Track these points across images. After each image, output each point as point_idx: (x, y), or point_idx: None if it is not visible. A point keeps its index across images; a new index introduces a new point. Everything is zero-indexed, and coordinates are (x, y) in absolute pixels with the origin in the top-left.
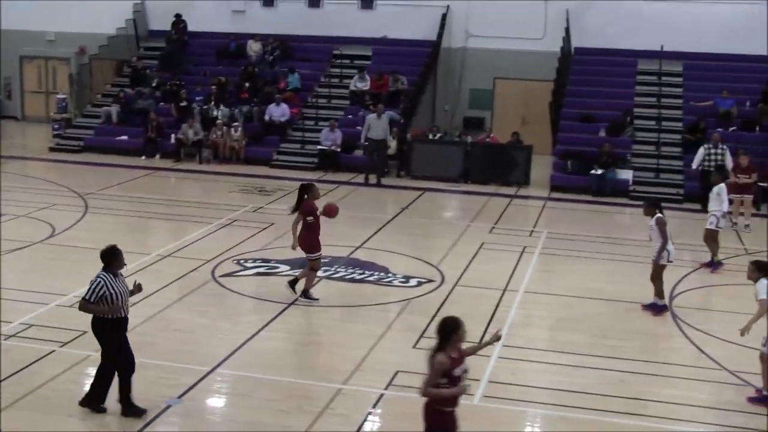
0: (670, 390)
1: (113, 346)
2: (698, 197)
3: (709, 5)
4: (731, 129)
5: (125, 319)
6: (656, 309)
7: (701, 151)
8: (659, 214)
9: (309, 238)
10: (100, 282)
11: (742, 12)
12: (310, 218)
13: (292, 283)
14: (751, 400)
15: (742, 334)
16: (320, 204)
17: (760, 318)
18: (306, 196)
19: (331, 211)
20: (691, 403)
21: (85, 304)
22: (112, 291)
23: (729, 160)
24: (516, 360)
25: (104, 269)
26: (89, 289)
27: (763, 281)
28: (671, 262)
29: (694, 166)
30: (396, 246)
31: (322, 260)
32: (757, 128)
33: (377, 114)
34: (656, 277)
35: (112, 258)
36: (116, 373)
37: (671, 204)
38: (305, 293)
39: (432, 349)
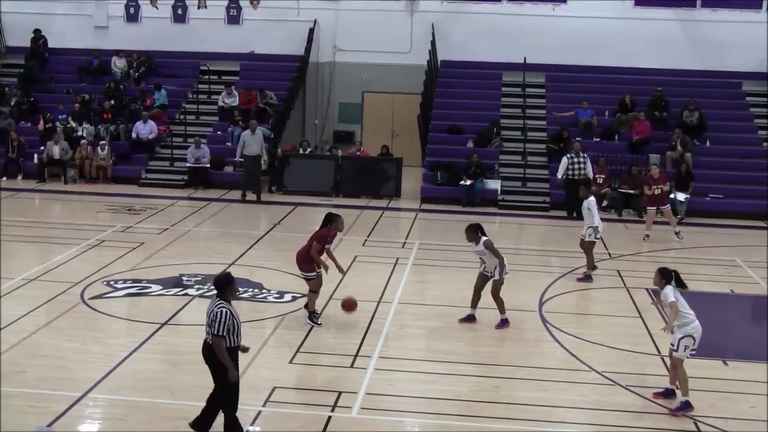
0: (542, 393)
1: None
2: (563, 205)
3: (569, 20)
4: (595, 139)
5: (237, 348)
6: (504, 324)
7: (564, 160)
8: (484, 237)
9: (311, 259)
10: (226, 312)
11: (600, 25)
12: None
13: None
14: (657, 396)
15: (667, 331)
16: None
17: (675, 318)
18: (329, 226)
19: (349, 307)
20: (563, 405)
21: (220, 342)
22: (235, 320)
23: (590, 169)
24: (392, 371)
25: (221, 296)
26: (218, 323)
27: (668, 287)
28: (507, 273)
29: (559, 175)
30: (269, 261)
31: (195, 278)
32: (616, 137)
33: (251, 130)
34: (498, 294)
35: (227, 286)
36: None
37: (538, 212)
38: (309, 315)
39: None
